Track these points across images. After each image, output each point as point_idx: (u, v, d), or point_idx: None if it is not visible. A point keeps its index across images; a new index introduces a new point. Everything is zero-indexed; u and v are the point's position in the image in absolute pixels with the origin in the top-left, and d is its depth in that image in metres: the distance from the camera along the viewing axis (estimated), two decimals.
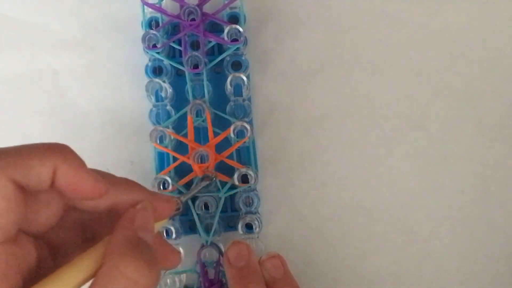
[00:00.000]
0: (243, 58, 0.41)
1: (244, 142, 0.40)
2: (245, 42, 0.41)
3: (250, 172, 0.39)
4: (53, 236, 0.26)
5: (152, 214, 0.26)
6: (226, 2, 0.40)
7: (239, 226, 0.40)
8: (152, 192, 0.28)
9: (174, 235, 0.39)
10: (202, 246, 0.40)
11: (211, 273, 0.39)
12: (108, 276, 0.23)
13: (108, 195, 0.25)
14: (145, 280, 0.23)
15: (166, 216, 0.28)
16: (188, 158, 0.38)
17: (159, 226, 0.28)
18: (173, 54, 0.42)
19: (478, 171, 0.42)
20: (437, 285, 0.42)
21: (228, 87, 0.40)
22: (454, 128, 0.43)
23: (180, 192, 0.40)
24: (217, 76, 0.42)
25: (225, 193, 0.40)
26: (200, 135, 0.41)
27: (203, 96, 0.40)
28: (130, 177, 0.42)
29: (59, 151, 0.24)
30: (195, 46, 0.41)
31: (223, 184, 0.40)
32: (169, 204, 0.28)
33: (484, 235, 0.42)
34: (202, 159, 0.39)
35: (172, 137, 0.40)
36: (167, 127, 0.40)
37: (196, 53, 0.39)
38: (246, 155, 0.41)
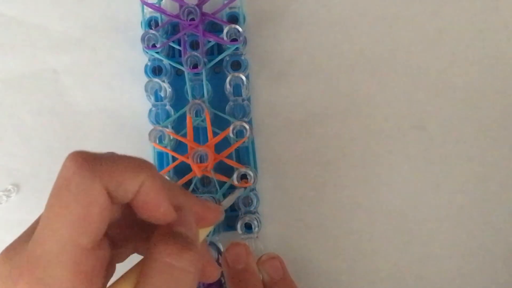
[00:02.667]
0: (243, 58, 0.41)
1: (243, 142, 0.40)
2: (245, 42, 0.41)
3: (250, 172, 0.39)
4: (113, 232, 0.26)
5: (192, 216, 0.27)
6: (225, 2, 0.40)
7: (238, 226, 0.40)
8: (201, 200, 0.28)
9: None
10: None
11: None
12: (146, 267, 0.23)
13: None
14: (181, 263, 0.23)
15: (213, 223, 0.29)
16: (188, 158, 0.38)
17: (205, 233, 0.29)
18: (172, 54, 0.42)
19: (478, 171, 0.42)
20: (437, 285, 0.42)
21: (228, 87, 0.40)
22: (454, 128, 0.43)
23: None
24: (217, 76, 0.42)
25: (224, 193, 0.40)
26: (200, 135, 0.41)
27: (203, 96, 0.40)
28: None
29: (148, 169, 0.24)
30: (194, 46, 0.41)
31: (221, 184, 0.40)
32: (215, 212, 0.29)
33: (484, 235, 0.42)
34: (202, 159, 0.39)
35: (171, 137, 0.40)
36: (167, 127, 0.40)
37: (196, 53, 0.39)
38: (246, 155, 0.41)
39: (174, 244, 0.23)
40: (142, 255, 0.27)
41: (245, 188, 0.39)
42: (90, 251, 0.22)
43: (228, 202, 0.35)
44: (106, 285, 0.24)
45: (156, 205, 0.24)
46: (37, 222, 0.23)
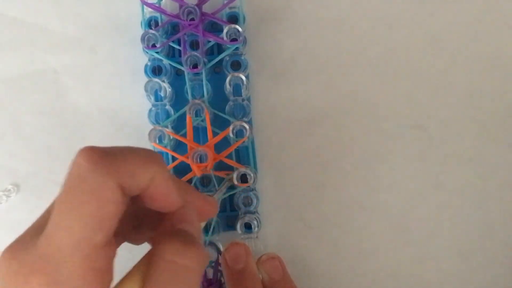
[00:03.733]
0: (242, 58, 0.41)
1: (243, 141, 0.40)
2: (244, 42, 0.41)
3: (249, 172, 0.39)
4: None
5: (194, 212, 0.27)
6: (225, 2, 0.40)
7: (238, 225, 0.40)
8: (200, 194, 0.29)
9: None
10: None
11: (210, 273, 0.39)
12: (151, 266, 0.23)
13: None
14: (184, 260, 0.23)
15: (210, 217, 0.30)
16: (187, 157, 0.38)
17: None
18: (172, 54, 0.42)
19: (478, 171, 0.42)
20: (437, 285, 0.42)
21: (227, 87, 0.40)
22: (454, 128, 0.43)
23: None
24: (217, 75, 0.42)
25: (223, 194, 0.40)
26: (199, 135, 0.41)
27: (202, 95, 0.40)
28: None
29: (158, 161, 0.24)
30: (194, 45, 0.41)
31: (221, 184, 0.40)
32: (213, 206, 0.29)
33: (483, 235, 0.42)
34: (201, 158, 0.39)
35: (171, 137, 0.40)
36: (166, 126, 0.40)
37: (195, 53, 0.39)
38: (245, 155, 0.41)
39: (177, 242, 0.23)
40: (135, 244, 0.27)
41: (229, 176, 0.39)
42: (103, 248, 0.22)
43: (219, 194, 0.36)
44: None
45: (165, 194, 0.24)
46: (43, 218, 0.23)
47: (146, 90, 0.40)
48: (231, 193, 0.40)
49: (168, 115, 0.41)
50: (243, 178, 0.40)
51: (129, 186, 0.23)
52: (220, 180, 0.40)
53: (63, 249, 0.22)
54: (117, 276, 0.24)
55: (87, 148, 0.23)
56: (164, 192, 0.24)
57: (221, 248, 0.40)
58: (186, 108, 0.40)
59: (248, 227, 0.40)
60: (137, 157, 0.23)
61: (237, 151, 0.41)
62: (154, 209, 0.25)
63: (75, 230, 0.22)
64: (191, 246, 0.24)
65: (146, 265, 0.24)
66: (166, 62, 0.41)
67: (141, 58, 0.42)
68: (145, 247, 0.26)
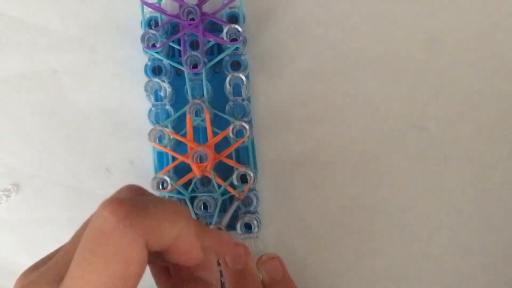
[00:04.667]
0: (242, 57, 0.41)
1: (243, 141, 0.40)
2: (244, 42, 0.41)
3: (249, 172, 0.39)
4: None
5: (214, 258, 0.27)
6: (225, 1, 0.40)
7: (238, 226, 0.40)
8: (217, 234, 0.28)
9: None
10: None
11: None
12: None
13: None
14: None
15: (225, 255, 0.30)
16: (187, 157, 0.38)
17: None
18: (172, 54, 0.42)
19: (478, 171, 0.42)
20: (437, 285, 0.42)
21: (227, 87, 0.40)
22: (454, 128, 0.43)
23: (179, 192, 0.40)
24: (217, 75, 0.42)
25: (223, 194, 0.40)
26: (199, 135, 0.41)
27: (202, 95, 0.40)
28: (129, 177, 0.43)
29: (185, 216, 0.23)
30: (194, 45, 0.41)
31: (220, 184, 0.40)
32: (229, 246, 0.29)
33: (483, 235, 0.42)
34: (201, 158, 0.39)
35: (171, 137, 0.40)
36: (166, 126, 0.40)
37: (195, 53, 0.39)
38: (245, 155, 0.41)
39: None
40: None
41: (240, 198, 0.39)
42: None
43: (226, 219, 0.37)
44: None
45: (189, 251, 0.24)
46: (62, 261, 0.23)
47: (146, 90, 0.40)
48: (231, 194, 0.40)
49: (168, 115, 0.41)
50: (243, 178, 0.40)
51: (154, 243, 0.22)
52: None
53: None
54: None
55: (114, 200, 0.21)
56: (188, 248, 0.23)
57: None
58: (186, 108, 0.40)
59: (248, 227, 0.40)
60: (165, 212, 0.22)
61: (237, 151, 0.41)
62: (175, 262, 0.24)
63: (95, 285, 0.21)
64: None
65: None
66: (166, 62, 0.41)
67: (141, 58, 0.42)
68: None
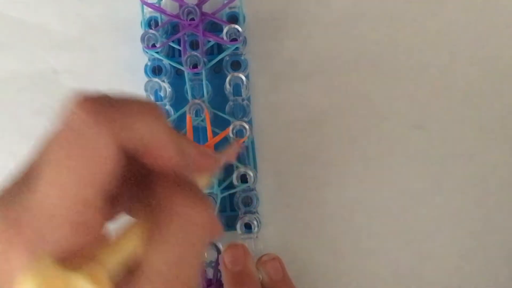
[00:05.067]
0: (242, 57, 0.41)
1: (243, 141, 0.40)
2: (244, 42, 0.41)
3: (249, 172, 0.39)
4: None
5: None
6: (225, 1, 0.40)
7: (238, 226, 0.40)
8: (198, 145, 0.27)
9: None
10: None
11: (210, 273, 0.39)
12: (156, 218, 0.22)
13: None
14: (193, 215, 0.22)
15: (208, 171, 0.27)
16: None
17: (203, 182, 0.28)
18: (172, 54, 0.42)
19: (478, 171, 0.42)
20: (437, 285, 0.42)
21: (227, 87, 0.40)
22: (454, 128, 0.43)
23: None
24: (216, 75, 0.42)
25: (223, 192, 0.40)
26: (199, 135, 0.41)
27: (202, 95, 0.40)
28: None
29: (157, 111, 0.22)
30: (194, 45, 0.41)
31: (220, 182, 0.40)
32: (211, 159, 0.27)
33: (484, 235, 0.42)
34: None
35: None
36: None
37: (195, 53, 0.39)
38: (245, 155, 0.41)
39: (187, 195, 0.22)
40: (133, 217, 0.25)
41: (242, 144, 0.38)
42: (96, 208, 0.21)
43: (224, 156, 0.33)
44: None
45: (164, 148, 0.23)
46: (30, 170, 0.22)
47: (146, 90, 0.40)
48: (231, 192, 0.40)
49: (168, 115, 0.41)
50: (243, 178, 0.40)
51: (128, 141, 0.21)
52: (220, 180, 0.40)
53: (52, 204, 0.20)
54: None
55: (86, 98, 0.21)
56: (162, 145, 0.22)
57: (221, 248, 0.40)
58: (186, 108, 0.40)
59: (248, 227, 0.40)
60: (135, 107, 0.22)
61: None
62: (150, 165, 0.23)
63: (67, 186, 0.20)
64: (201, 202, 0.22)
65: (147, 220, 0.22)
66: (166, 62, 0.41)
67: (141, 58, 0.42)
68: None
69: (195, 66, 0.39)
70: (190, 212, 0.22)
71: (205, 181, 0.28)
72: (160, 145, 0.22)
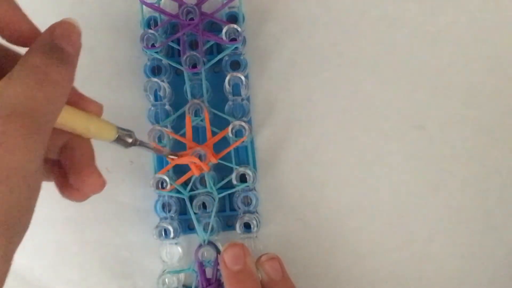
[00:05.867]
0: (242, 57, 0.41)
1: (243, 141, 0.40)
2: (244, 42, 0.41)
3: (249, 172, 0.39)
4: None
5: (79, 32, 0.28)
6: (224, 1, 0.40)
7: (237, 225, 0.40)
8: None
9: (172, 234, 0.39)
10: (200, 245, 0.40)
11: (209, 272, 0.39)
12: (19, 66, 0.23)
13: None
14: (55, 76, 0.24)
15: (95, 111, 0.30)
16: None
17: (104, 128, 0.30)
18: (171, 54, 0.42)
19: (478, 171, 0.42)
20: (437, 285, 0.42)
21: (227, 87, 0.40)
22: (454, 128, 0.42)
23: (178, 192, 0.40)
24: (216, 75, 0.42)
25: (222, 192, 0.40)
26: (199, 135, 0.41)
27: (202, 95, 0.40)
28: (129, 176, 0.43)
29: None
30: (193, 45, 0.41)
31: (219, 181, 0.40)
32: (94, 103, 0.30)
33: (483, 235, 0.42)
34: (200, 158, 0.39)
35: (170, 137, 0.40)
36: (166, 126, 0.40)
37: (195, 53, 0.39)
38: (245, 155, 0.41)
39: (50, 58, 0.24)
40: None
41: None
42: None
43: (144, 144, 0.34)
44: None
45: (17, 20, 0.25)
46: None
47: (145, 90, 0.40)
48: (230, 191, 0.40)
49: (167, 115, 0.41)
50: (242, 178, 0.40)
51: None
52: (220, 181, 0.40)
53: None
54: None
55: None
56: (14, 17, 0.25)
57: (220, 248, 0.40)
58: (186, 107, 0.40)
59: (247, 227, 0.40)
60: None
61: (236, 150, 0.41)
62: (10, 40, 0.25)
63: None
64: (65, 64, 0.25)
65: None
66: (165, 61, 0.41)
67: (140, 58, 0.42)
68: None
69: (194, 66, 0.39)
70: (51, 70, 0.24)
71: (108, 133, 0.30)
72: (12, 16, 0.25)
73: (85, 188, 0.29)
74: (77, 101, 0.29)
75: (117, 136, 0.31)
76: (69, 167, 0.29)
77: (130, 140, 0.31)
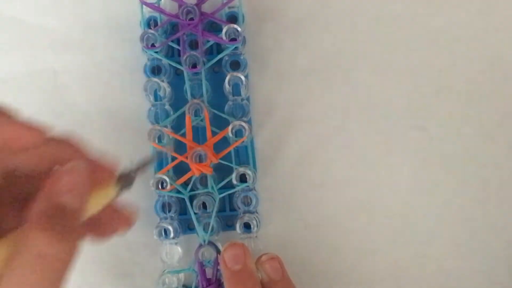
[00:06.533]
0: (242, 57, 0.41)
1: (243, 141, 0.40)
2: (244, 42, 0.41)
3: (248, 172, 0.39)
4: None
5: (84, 176, 0.24)
6: (224, 1, 0.40)
7: (237, 225, 0.40)
8: (95, 155, 0.26)
9: (172, 234, 0.39)
10: (200, 245, 0.40)
11: (209, 272, 0.39)
12: (18, 247, 0.22)
13: (44, 149, 0.25)
14: (53, 251, 0.22)
15: (104, 182, 0.26)
16: (186, 157, 0.38)
17: (104, 197, 0.26)
18: (171, 54, 0.42)
19: (478, 171, 0.42)
20: (437, 285, 0.42)
21: (227, 87, 0.40)
22: (454, 128, 0.42)
23: (178, 192, 0.40)
24: (216, 75, 0.42)
25: (222, 192, 0.40)
26: (199, 135, 0.41)
27: (202, 95, 0.40)
28: None
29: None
30: (193, 45, 0.41)
31: (219, 181, 0.40)
32: (110, 172, 0.27)
33: (483, 235, 0.42)
34: (200, 158, 0.39)
35: (170, 137, 0.40)
36: (166, 126, 0.40)
37: (195, 53, 0.39)
38: (245, 155, 0.41)
39: (50, 231, 0.22)
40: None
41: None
42: None
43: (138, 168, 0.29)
44: None
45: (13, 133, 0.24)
46: None
47: (145, 90, 0.40)
48: (230, 192, 0.40)
49: (167, 115, 0.41)
50: (242, 178, 0.40)
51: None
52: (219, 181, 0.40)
53: None
54: None
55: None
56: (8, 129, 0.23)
57: (220, 248, 0.40)
58: (186, 107, 0.40)
59: (247, 226, 0.40)
60: None
61: (236, 150, 0.41)
62: (17, 163, 0.24)
63: None
64: (66, 239, 0.22)
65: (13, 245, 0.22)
66: (165, 61, 0.41)
67: (140, 58, 0.42)
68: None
69: (194, 65, 0.39)
70: (50, 250, 0.22)
71: (109, 196, 0.26)
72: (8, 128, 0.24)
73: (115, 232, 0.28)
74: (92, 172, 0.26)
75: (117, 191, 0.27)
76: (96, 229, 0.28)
77: (130, 183, 0.28)
